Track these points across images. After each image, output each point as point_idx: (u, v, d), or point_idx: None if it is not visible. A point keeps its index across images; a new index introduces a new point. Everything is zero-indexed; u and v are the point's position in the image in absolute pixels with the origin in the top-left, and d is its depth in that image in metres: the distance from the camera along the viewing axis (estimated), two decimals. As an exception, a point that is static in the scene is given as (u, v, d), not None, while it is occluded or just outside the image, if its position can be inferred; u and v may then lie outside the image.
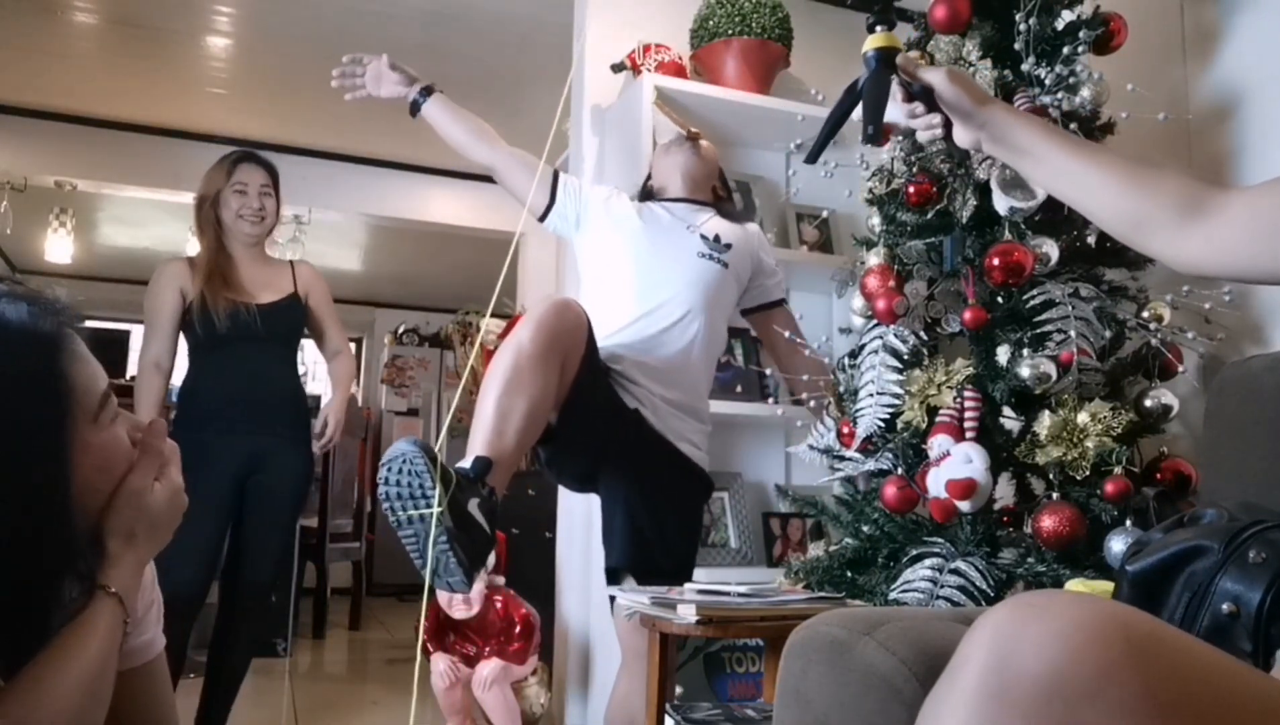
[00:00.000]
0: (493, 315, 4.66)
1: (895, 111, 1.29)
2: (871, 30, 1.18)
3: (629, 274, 2.05)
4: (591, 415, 1.79)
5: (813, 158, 1.23)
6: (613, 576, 1.96)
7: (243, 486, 2.50)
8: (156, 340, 2.57)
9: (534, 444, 1.71)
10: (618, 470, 1.96)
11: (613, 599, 1.96)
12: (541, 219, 2.17)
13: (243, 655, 2.57)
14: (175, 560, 2.44)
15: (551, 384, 1.65)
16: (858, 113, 1.20)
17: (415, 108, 2.14)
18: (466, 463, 1.51)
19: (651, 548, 1.89)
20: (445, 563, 1.41)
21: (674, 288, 2.02)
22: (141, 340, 2.61)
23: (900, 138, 1.84)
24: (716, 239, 2.10)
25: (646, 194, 2.23)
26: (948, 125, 1.13)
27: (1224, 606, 0.73)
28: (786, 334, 2.15)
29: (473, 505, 1.44)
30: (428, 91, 2.13)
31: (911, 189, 1.81)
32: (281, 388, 2.63)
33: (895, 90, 1.15)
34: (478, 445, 1.55)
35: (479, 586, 2.74)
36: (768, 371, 2.75)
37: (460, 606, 2.78)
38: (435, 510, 1.36)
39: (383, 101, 2.16)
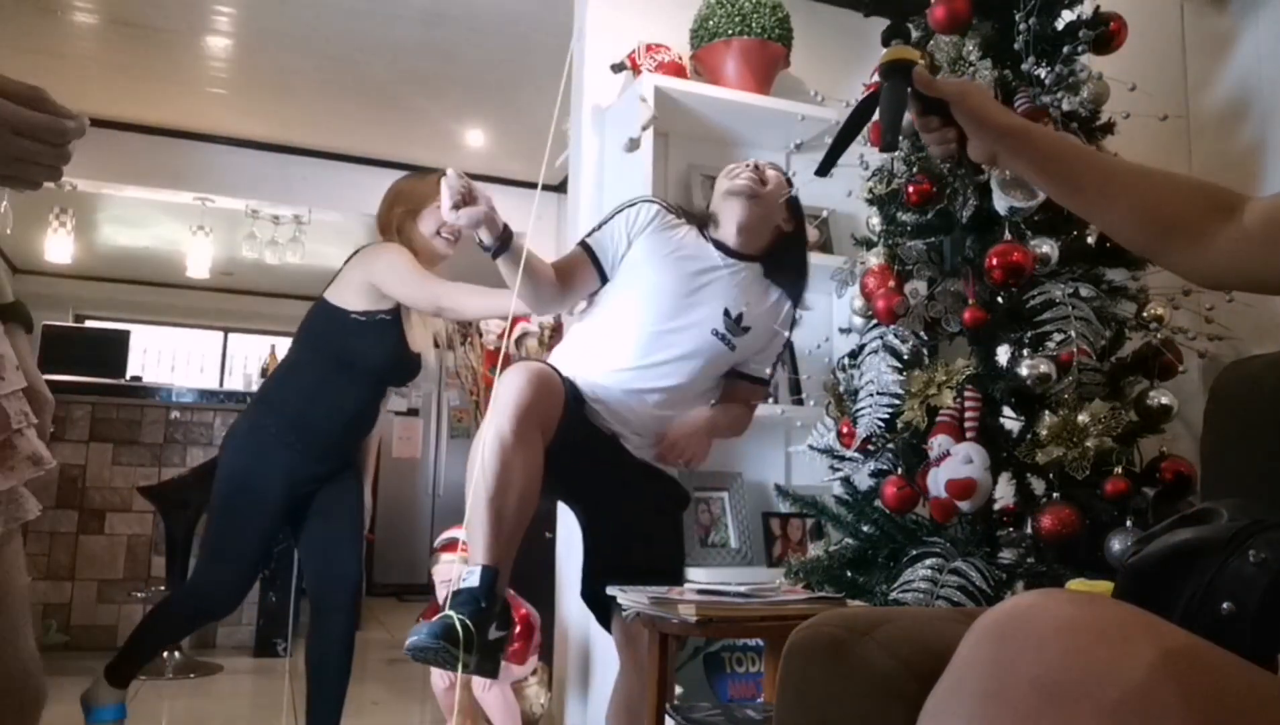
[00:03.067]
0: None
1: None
2: (887, 43, 1.17)
3: (640, 323, 1.97)
4: (568, 447, 1.79)
5: (824, 171, 1.22)
6: (586, 601, 2.02)
7: (299, 500, 2.44)
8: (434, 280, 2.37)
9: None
10: (601, 488, 1.98)
11: (603, 618, 2.00)
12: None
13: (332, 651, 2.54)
14: (221, 564, 2.41)
15: (537, 460, 1.69)
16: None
17: (488, 250, 1.86)
18: (474, 578, 1.59)
19: (620, 575, 1.83)
20: (474, 674, 1.58)
21: (675, 353, 1.96)
22: (423, 293, 2.33)
23: (902, 138, 1.84)
24: (739, 319, 2.01)
25: (704, 218, 2.10)
26: (962, 139, 1.12)
27: (1224, 606, 0.73)
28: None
29: (491, 631, 1.58)
30: (507, 242, 1.85)
31: (911, 189, 1.81)
32: (364, 423, 2.52)
33: (910, 103, 1.14)
34: (479, 553, 1.63)
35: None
36: (767, 371, 2.75)
37: (460, 606, 2.77)
38: (459, 672, 1.55)
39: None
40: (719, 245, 2.04)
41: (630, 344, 1.96)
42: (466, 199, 1.76)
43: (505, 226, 1.82)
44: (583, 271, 2.02)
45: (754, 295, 2.05)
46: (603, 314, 2.04)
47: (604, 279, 2.03)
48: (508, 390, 1.67)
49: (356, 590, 2.54)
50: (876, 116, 1.15)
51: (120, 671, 2.48)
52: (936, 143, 1.15)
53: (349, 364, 2.37)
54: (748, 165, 2.07)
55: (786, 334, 2.14)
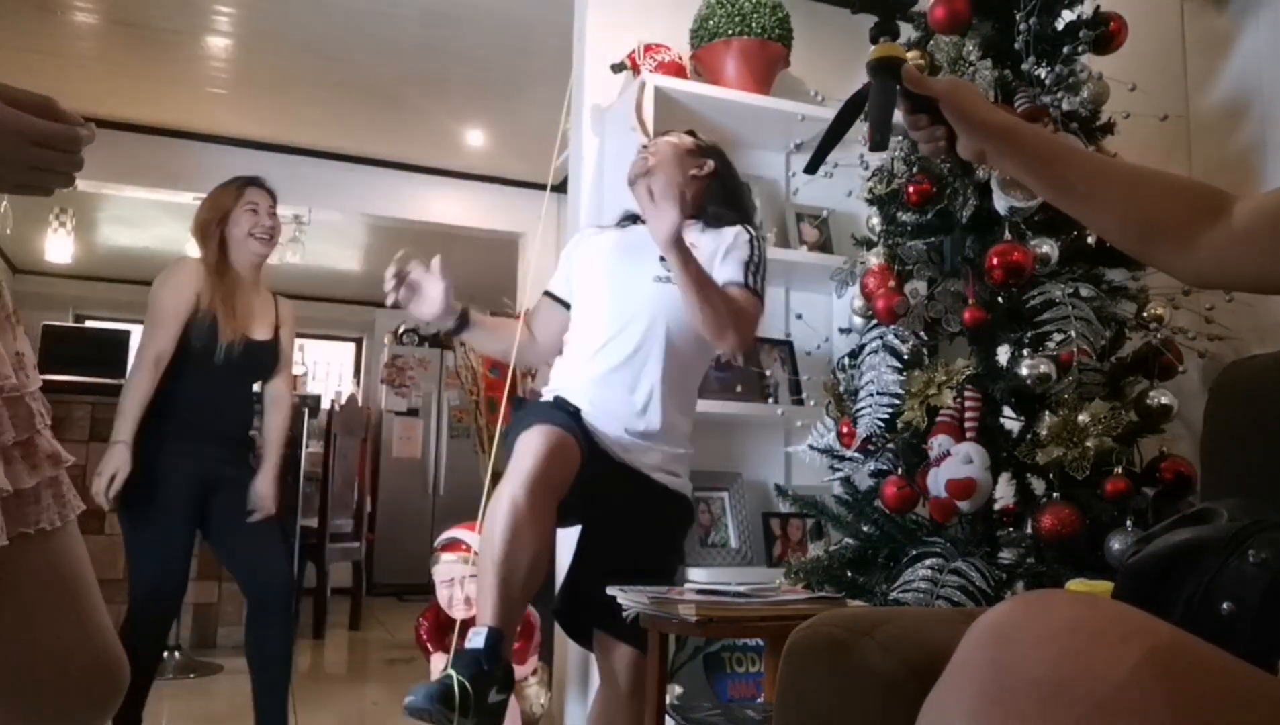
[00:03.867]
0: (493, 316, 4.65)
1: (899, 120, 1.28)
2: (875, 40, 1.16)
3: (593, 307, 2.02)
4: (584, 485, 1.78)
5: (812, 168, 1.22)
6: (559, 617, 2.02)
7: (202, 505, 2.56)
8: (164, 336, 2.55)
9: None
10: (595, 504, 1.93)
11: (579, 634, 2.00)
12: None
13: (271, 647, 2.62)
14: (149, 563, 2.50)
15: (550, 523, 1.70)
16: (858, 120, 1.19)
17: (451, 331, 2.08)
18: (480, 639, 1.59)
19: (585, 599, 1.86)
20: None
21: (629, 314, 1.95)
22: (144, 333, 2.58)
23: (900, 138, 1.84)
24: None
25: (633, 215, 2.13)
26: (951, 137, 1.11)
27: (1224, 606, 0.73)
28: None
29: (492, 694, 1.58)
30: (464, 320, 2.05)
31: (911, 189, 1.81)
32: (239, 419, 2.71)
33: (899, 101, 1.14)
34: (487, 615, 1.63)
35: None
36: (767, 371, 2.75)
37: (460, 606, 2.78)
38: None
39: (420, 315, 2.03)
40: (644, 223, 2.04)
41: (592, 328, 1.99)
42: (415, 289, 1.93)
43: (463, 310, 2.00)
44: (549, 313, 2.13)
45: (692, 235, 1.95)
46: (573, 322, 2.09)
47: (566, 307, 2.12)
48: (525, 456, 1.68)
49: (287, 588, 2.63)
50: (865, 114, 1.15)
51: (127, 716, 2.52)
52: (925, 141, 1.14)
53: (186, 365, 2.56)
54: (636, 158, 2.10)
55: (745, 236, 1.99)
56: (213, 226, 2.67)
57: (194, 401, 2.56)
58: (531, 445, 1.69)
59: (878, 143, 1.10)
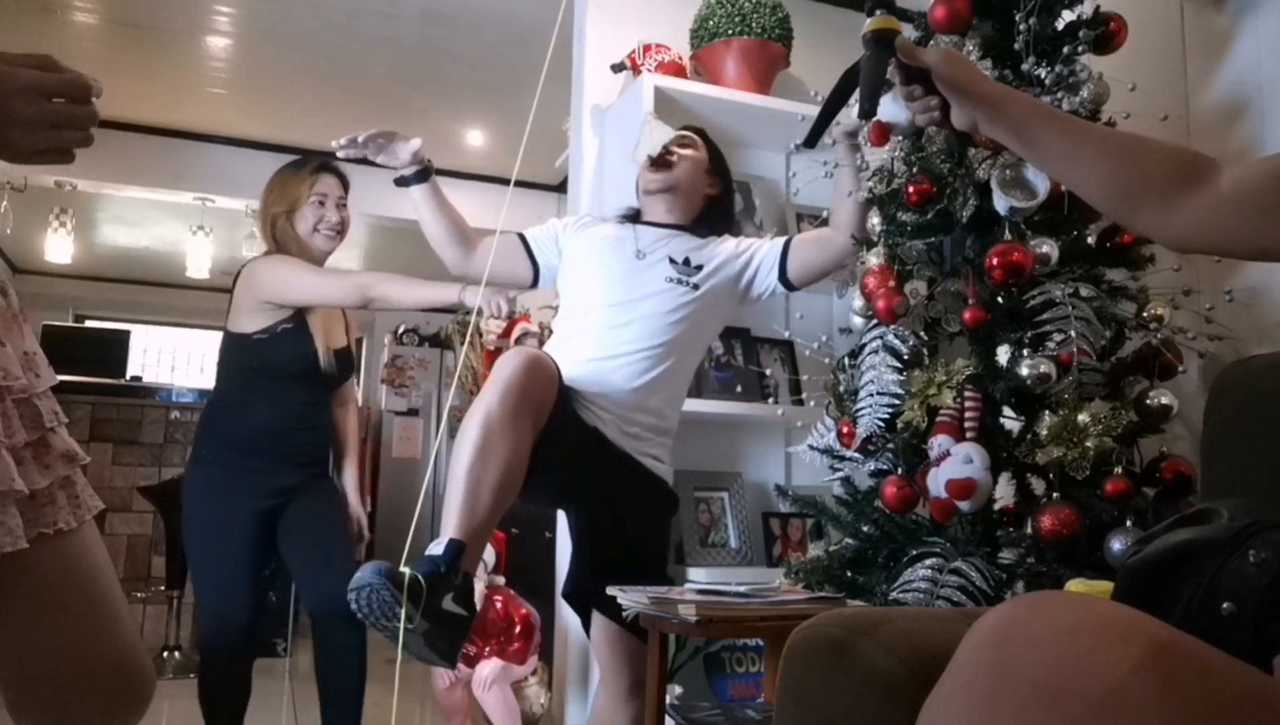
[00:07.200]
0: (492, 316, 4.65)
1: (895, 109, 1.29)
2: (871, 13, 1.18)
3: (599, 300, 2.05)
4: (555, 440, 1.76)
5: (811, 141, 1.24)
6: (567, 600, 2.01)
7: (273, 520, 2.37)
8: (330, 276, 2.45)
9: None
10: (582, 487, 1.95)
11: (585, 618, 1.99)
12: (534, 284, 2.24)
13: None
14: (212, 594, 2.28)
15: (525, 443, 1.64)
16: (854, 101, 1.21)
17: (404, 182, 2.19)
18: (439, 547, 1.52)
19: (600, 577, 1.84)
20: (426, 656, 1.49)
21: (641, 318, 2.00)
22: (314, 289, 2.40)
23: (900, 138, 1.84)
24: (686, 262, 2.07)
25: (635, 214, 2.21)
26: (945, 108, 1.14)
27: (1224, 606, 0.73)
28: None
29: (448, 601, 1.47)
30: (424, 175, 2.17)
31: (911, 189, 1.81)
32: (317, 428, 2.50)
33: (893, 72, 1.16)
34: (450, 525, 1.55)
35: (479, 587, 2.75)
36: (767, 371, 2.75)
37: (460, 606, 2.77)
38: (401, 637, 1.41)
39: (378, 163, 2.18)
40: (651, 224, 2.16)
41: (595, 322, 2.02)
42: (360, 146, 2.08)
43: (424, 168, 2.15)
44: (509, 253, 2.20)
45: (693, 245, 2.13)
46: (565, 308, 2.13)
47: (533, 262, 2.20)
48: (502, 370, 1.67)
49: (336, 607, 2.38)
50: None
51: None
52: (920, 111, 1.17)
53: (272, 379, 2.37)
54: (661, 156, 2.14)
55: (746, 243, 2.17)
56: (283, 218, 2.45)
57: (269, 426, 2.35)
58: (509, 362, 1.68)
59: (866, 111, 1.13)
